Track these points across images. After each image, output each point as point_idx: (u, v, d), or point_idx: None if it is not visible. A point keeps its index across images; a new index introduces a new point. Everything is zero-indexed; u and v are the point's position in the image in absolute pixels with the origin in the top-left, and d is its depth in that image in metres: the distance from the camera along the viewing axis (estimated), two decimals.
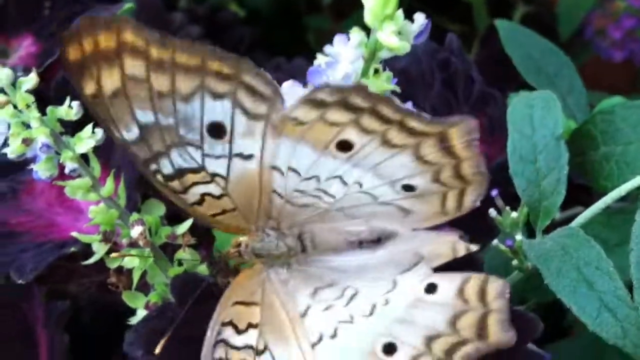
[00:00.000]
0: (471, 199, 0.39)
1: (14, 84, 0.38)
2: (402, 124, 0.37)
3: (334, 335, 0.38)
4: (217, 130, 0.38)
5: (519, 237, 0.43)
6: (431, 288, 0.38)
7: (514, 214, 0.43)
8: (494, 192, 0.42)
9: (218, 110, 0.37)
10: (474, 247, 0.39)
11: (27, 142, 0.38)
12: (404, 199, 0.39)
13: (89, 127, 0.39)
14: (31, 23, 0.54)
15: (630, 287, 0.38)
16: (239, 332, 0.38)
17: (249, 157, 0.38)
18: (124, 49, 0.37)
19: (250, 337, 0.38)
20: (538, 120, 0.44)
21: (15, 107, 0.38)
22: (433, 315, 0.37)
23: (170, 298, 0.43)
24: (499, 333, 0.37)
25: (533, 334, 0.39)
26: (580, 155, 0.45)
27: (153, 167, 0.39)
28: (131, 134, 0.38)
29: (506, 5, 0.72)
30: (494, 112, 0.48)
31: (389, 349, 0.37)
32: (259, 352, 0.38)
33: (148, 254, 0.42)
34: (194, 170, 0.38)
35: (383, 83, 0.35)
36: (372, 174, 0.38)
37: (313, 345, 0.38)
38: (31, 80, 0.38)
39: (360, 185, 0.38)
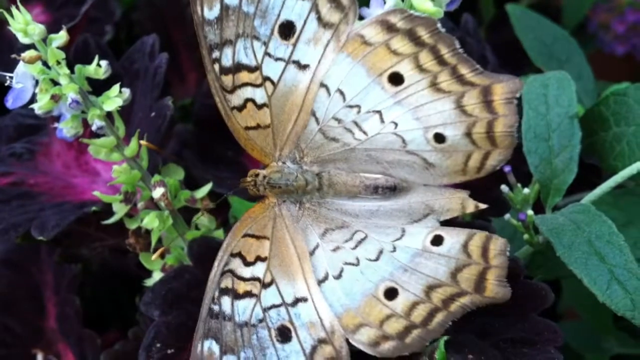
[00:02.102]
0: (493, 163, 0.40)
1: (44, 40, 0.38)
2: (455, 69, 0.38)
3: (339, 276, 0.39)
4: (287, 30, 0.39)
5: (530, 212, 0.44)
6: (437, 240, 0.39)
7: (526, 191, 0.44)
8: (507, 169, 0.43)
9: (296, 10, 0.38)
10: (482, 205, 0.40)
11: (56, 98, 0.38)
12: (431, 151, 0.40)
13: (116, 86, 0.40)
14: None
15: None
16: (247, 264, 0.39)
17: (304, 67, 0.39)
18: None
19: (258, 270, 0.39)
20: (553, 99, 0.45)
21: (44, 63, 0.39)
22: (436, 266, 0.39)
23: (185, 261, 0.44)
24: (496, 288, 0.38)
25: (544, 303, 0.40)
26: (591, 136, 0.46)
27: (215, 54, 0.39)
28: (212, 12, 0.39)
29: None
30: None
31: (391, 293, 0.39)
32: (265, 285, 0.39)
33: (167, 216, 0.42)
34: (250, 69, 0.39)
35: None
36: (411, 115, 0.39)
37: (319, 283, 0.39)
38: (61, 37, 0.39)
39: (396, 126, 0.39)
